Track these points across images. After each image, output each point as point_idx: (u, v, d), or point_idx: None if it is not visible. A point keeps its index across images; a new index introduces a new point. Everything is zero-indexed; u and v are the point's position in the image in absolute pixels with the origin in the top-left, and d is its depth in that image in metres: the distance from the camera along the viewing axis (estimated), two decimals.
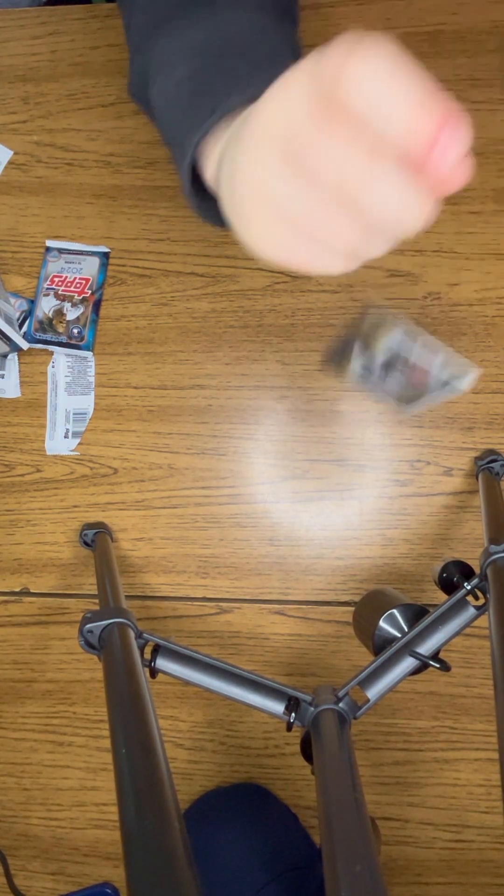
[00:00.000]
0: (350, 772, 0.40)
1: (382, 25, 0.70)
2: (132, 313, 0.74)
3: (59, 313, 0.74)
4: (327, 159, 0.24)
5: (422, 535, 0.72)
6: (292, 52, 0.44)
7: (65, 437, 0.75)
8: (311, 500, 0.73)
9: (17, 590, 0.77)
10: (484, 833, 0.72)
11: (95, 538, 0.72)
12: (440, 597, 0.53)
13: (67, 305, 0.74)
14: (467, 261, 0.70)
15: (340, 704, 0.47)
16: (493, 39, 0.70)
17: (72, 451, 0.75)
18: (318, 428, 0.72)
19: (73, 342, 0.74)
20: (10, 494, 0.76)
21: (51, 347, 0.75)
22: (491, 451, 0.69)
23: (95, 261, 0.74)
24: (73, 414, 0.75)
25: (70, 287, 0.74)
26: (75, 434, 0.75)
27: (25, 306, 0.75)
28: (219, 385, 0.73)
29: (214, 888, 0.59)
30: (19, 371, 0.76)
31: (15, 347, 0.73)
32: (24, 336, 0.75)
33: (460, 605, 0.51)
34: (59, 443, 0.75)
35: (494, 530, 0.54)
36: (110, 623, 0.49)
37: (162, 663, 0.51)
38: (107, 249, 0.74)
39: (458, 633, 0.50)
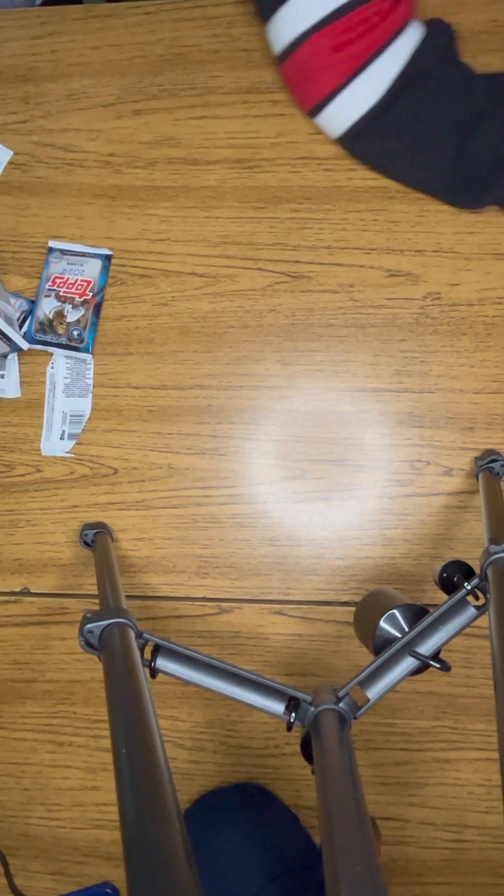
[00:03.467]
0: (350, 772, 0.40)
1: None
2: (132, 313, 0.74)
3: (60, 315, 0.74)
4: None
5: (422, 535, 0.72)
6: None
7: (60, 438, 0.75)
8: (311, 500, 0.73)
9: (17, 590, 0.77)
10: (484, 833, 0.72)
11: (95, 538, 0.72)
12: (440, 597, 0.53)
13: (68, 307, 0.74)
14: (467, 261, 0.70)
15: (340, 704, 0.47)
16: (493, 39, 0.70)
17: (67, 452, 0.75)
18: (318, 428, 0.72)
19: (72, 344, 0.74)
20: (10, 494, 0.76)
21: (50, 349, 0.75)
22: (491, 451, 0.69)
23: (97, 263, 0.74)
24: (70, 416, 0.75)
25: (71, 289, 0.74)
26: (71, 436, 0.75)
27: (25, 306, 0.75)
28: (219, 385, 0.73)
29: (214, 888, 0.59)
30: (19, 371, 0.76)
31: (15, 348, 0.73)
32: (25, 336, 0.75)
33: (460, 605, 0.51)
34: (54, 444, 0.75)
35: (494, 530, 0.54)
36: (110, 623, 0.49)
37: (162, 663, 0.51)
38: (109, 251, 0.74)
39: (458, 633, 0.50)
